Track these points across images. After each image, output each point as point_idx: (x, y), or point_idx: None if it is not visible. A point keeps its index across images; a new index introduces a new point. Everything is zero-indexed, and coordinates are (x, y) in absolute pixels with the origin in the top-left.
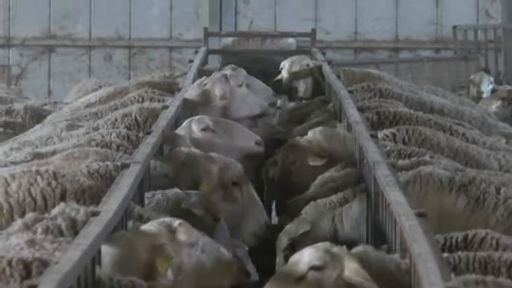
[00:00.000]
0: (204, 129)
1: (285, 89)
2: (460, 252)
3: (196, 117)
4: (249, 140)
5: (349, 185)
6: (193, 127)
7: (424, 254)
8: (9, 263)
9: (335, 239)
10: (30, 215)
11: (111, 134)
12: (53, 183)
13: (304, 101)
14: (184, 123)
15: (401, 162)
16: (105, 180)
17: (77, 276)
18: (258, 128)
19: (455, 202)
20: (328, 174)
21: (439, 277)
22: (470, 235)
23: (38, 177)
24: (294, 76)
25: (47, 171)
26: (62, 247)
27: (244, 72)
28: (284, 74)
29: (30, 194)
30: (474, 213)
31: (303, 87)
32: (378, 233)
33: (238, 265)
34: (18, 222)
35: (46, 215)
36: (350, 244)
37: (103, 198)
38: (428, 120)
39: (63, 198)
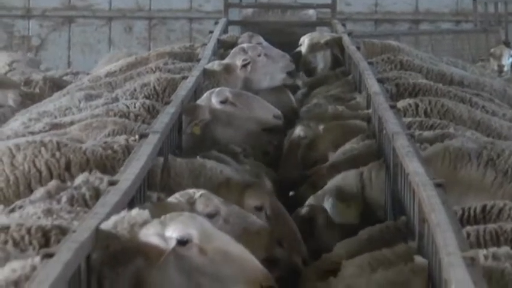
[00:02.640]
0: (224, 102)
1: (303, 64)
2: (468, 227)
3: (217, 89)
4: (268, 113)
5: (370, 155)
6: (212, 99)
7: (442, 224)
8: (28, 230)
9: (362, 196)
10: (52, 183)
11: (130, 104)
12: (57, 154)
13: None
14: (204, 95)
15: (426, 133)
16: (111, 149)
17: (94, 245)
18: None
19: (484, 176)
20: (348, 145)
21: (457, 247)
22: (488, 206)
23: (42, 149)
24: (312, 48)
25: (50, 141)
26: (79, 217)
27: (261, 38)
28: (303, 49)
29: (35, 165)
30: (502, 186)
31: (321, 61)
32: (397, 203)
33: (271, 235)
34: (40, 191)
35: (69, 183)
36: (375, 209)
37: (121, 167)
38: (448, 92)
39: (68, 168)
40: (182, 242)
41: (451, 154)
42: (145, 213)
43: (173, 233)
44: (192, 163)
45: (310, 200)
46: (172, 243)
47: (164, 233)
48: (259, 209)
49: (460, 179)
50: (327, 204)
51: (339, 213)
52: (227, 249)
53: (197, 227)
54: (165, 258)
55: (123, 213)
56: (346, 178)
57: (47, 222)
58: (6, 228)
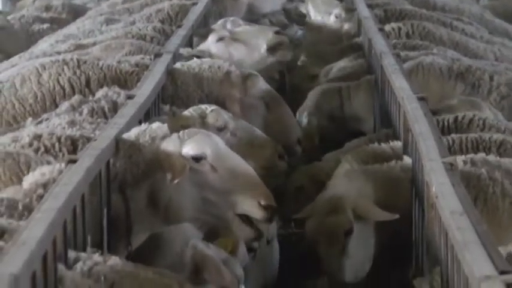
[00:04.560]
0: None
1: None
2: (453, 135)
3: (231, 18)
4: (269, 31)
5: (361, 72)
6: (227, 25)
7: (424, 133)
8: (59, 139)
9: (341, 112)
10: (76, 98)
11: (146, 27)
12: (77, 71)
13: None
14: (219, 22)
15: (411, 53)
16: (126, 66)
17: (113, 151)
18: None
19: (454, 88)
20: (343, 64)
21: (437, 154)
22: (460, 117)
23: (65, 67)
24: None
25: (71, 59)
26: (99, 127)
27: None
28: None
29: (59, 83)
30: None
31: None
32: (384, 116)
33: (273, 148)
34: (65, 104)
35: (90, 97)
36: (355, 121)
37: (135, 82)
38: (430, 16)
39: (88, 85)
40: (197, 159)
41: (424, 68)
42: (165, 127)
43: (190, 150)
44: (192, 68)
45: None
46: (188, 159)
47: (181, 149)
48: (259, 98)
49: (433, 91)
50: (303, 118)
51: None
52: (236, 169)
53: (211, 147)
54: None
55: (145, 125)
56: (325, 95)
57: (75, 132)
58: (38, 137)
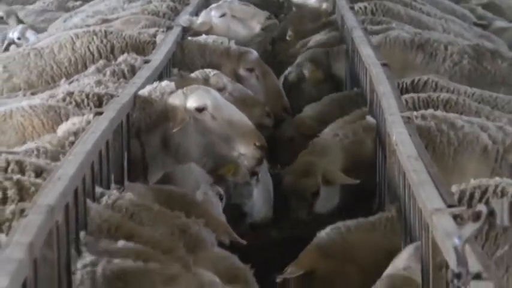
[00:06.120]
0: None
1: None
2: (406, 95)
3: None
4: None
5: (335, 42)
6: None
7: (386, 93)
8: (87, 95)
9: (329, 71)
10: (101, 62)
11: (160, 5)
12: (104, 40)
13: None
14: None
15: (375, 28)
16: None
17: (132, 105)
18: None
19: (415, 57)
20: (318, 36)
21: (397, 109)
22: (415, 80)
23: (94, 37)
24: None
25: (100, 30)
26: (120, 86)
27: None
28: None
29: (89, 49)
30: (428, 64)
31: None
32: (354, 78)
33: (262, 107)
34: (92, 67)
35: (113, 62)
36: (339, 79)
37: (151, 50)
38: None
39: (112, 51)
40: (199, 109)
41: (390, 41)
42: (172, 85)
43: (193, 102)
44: (199, 41)
45: (291, 68)
46: (192, 110)
47: (186, 102)
48: (250, 70)
49: (397, 60)
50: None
51: (309, 72)
52: (232, 117)
53: (211, 99)
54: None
55: (156, 84)
56: (316, 55)
57: (101, 90)
58: (71, 94)
